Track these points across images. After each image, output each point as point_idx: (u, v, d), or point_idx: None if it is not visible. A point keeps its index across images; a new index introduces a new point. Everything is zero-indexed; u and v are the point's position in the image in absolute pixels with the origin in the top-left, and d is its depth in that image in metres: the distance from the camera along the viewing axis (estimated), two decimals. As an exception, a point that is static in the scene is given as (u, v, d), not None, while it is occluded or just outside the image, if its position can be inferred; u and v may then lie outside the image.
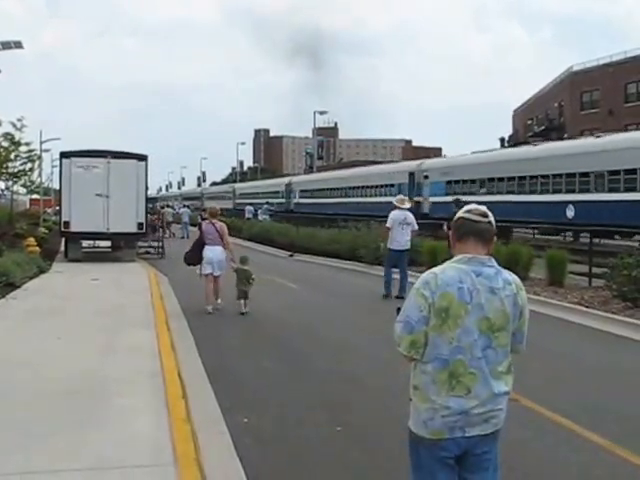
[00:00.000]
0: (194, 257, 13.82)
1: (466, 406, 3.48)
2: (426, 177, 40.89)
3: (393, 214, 15.85)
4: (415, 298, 3.54)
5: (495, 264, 3.61)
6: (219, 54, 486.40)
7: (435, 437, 3.51)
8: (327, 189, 57.31)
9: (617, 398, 7.83)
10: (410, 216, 16.02)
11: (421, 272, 18.23)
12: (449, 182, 37.90)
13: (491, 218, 3.65)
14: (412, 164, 44.91)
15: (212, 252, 13.49)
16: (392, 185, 43.95)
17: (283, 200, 66.31)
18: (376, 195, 46.71)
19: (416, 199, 38.28)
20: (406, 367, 3.71)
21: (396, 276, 15.81)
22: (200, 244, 13.71)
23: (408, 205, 16.46)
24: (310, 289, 17.88)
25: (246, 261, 13.70)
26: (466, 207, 3.73)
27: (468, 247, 3.60)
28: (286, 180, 71.87)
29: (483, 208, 3.72)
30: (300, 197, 63.59)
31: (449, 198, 30.32)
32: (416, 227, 16.19)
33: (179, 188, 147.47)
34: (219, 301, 13.73)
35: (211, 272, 13.45)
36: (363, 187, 50.44)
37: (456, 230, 3.67)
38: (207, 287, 13.56)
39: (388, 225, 15.80)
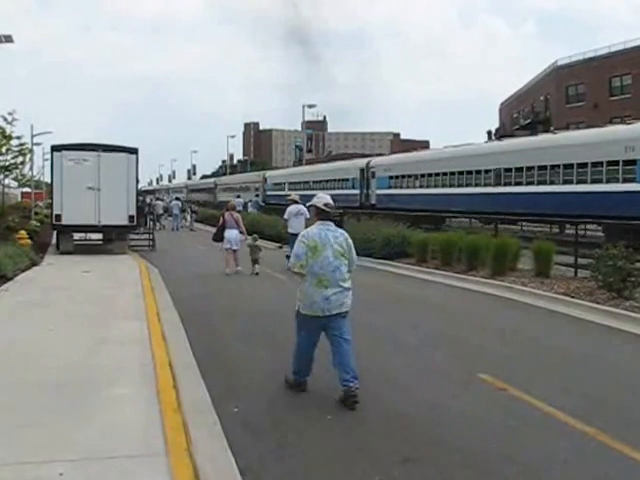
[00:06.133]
0: (218, 236, 19.65)
1: (327, 294, 7.11)
2: None
3: (289, 208, 20.50)
4: (299, 243, 7.25)
5: (333, 226, 7.39)
6: (209, 47, 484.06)
7: (315, 314, 7.20)
8: (450, 173, 36.52)
9: (603, 387, 7.96)
10: (303, 208, 19.94)
11: (410, 264, 18.18)
12: None
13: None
14: None
15: (230, 233, 19.24)
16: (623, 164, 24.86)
17: (355, 191, 47.08)
18: (569, 181, 27.59)
19: None
20: (384, 353, 3.84)
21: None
22: (222, 228, 19.52)
23: (299, 201, 20.90)
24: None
25: (256, 239, 19.82)
26: (322, 201, 7.42)
27: (323, 221, 7.34)
28: (361, 163, 49.47)
29: (332, 203, 7.51)
30: (390, 186, 42.95)
31: None
32: (308, 216, 19.66)
33: (169, 181, 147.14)
34: (239, 268, 19.06)
35: (230, 247, 19.13)
36: (543, 168, 29.29)
37: (319, 214, 7.40)
38: (227, 257, 19.24)
39: (285, 217, 20.50)
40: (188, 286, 16.61)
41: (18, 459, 5.20)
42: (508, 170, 31.26)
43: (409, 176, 40.73)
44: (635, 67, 49.16)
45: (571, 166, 27.46)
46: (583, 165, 26.91)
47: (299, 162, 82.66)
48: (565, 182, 27.78)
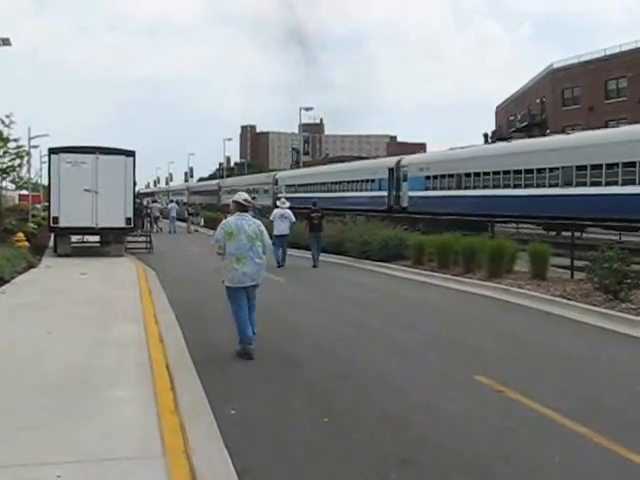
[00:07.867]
0: None
1: (245, 270, 9.10)
2: None
3: (275, 211, 22.45)
4: (220, 229, 9.26)
5: (249, 216, 9.45)
6: (208, 49, 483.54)
7: (236, 285, 9.15)
8: (504, 172, 31.35)
9: (598, 388, 7.99)
10: (288, 212, 22.01)
11: (407, 266, 18.18)
12: None
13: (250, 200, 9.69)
14: None
15: None
16: None
17: (382, 193, 42.31)
18: None
19: None
20: (381, 354, 3.86)
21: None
22: None
23: (287, 204, 22.50)
24: (295, 283, 17.98)
25: None
26: (242, 197, 9.47)
27: (240, 212, 9.35)
28: (390, 162, 44.22)
29: (249, 199, 9.66)
30: (426, 187, 37.56)
31: None
32: (293, 219, 22.21)
33: (167, 183, 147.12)
34: None
35: None
36: (631, 165, 24.61)
37: (236, 207, 9.40)
38: None
39: (271, 218, 22.00)
40: (185, 288, 16.62)
41: (16, 461, 5.20)
42: (581, 168, 26.90)
43: (450, 175, 35.44)
44: (631, 70, 49.29)
45: None
46: None
47: (296, 165, 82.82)
48: None
